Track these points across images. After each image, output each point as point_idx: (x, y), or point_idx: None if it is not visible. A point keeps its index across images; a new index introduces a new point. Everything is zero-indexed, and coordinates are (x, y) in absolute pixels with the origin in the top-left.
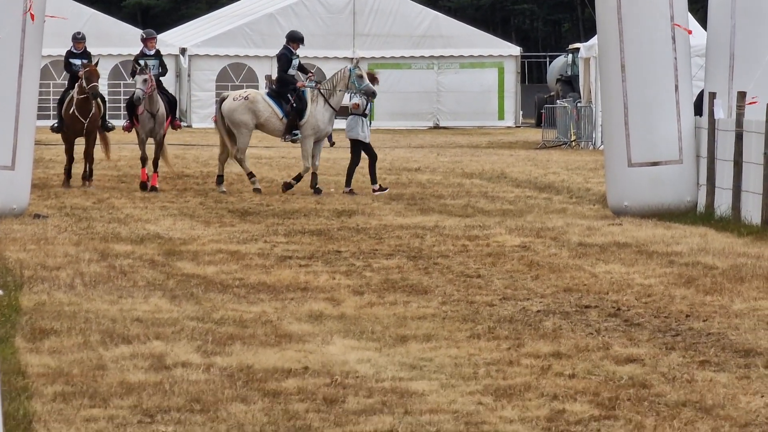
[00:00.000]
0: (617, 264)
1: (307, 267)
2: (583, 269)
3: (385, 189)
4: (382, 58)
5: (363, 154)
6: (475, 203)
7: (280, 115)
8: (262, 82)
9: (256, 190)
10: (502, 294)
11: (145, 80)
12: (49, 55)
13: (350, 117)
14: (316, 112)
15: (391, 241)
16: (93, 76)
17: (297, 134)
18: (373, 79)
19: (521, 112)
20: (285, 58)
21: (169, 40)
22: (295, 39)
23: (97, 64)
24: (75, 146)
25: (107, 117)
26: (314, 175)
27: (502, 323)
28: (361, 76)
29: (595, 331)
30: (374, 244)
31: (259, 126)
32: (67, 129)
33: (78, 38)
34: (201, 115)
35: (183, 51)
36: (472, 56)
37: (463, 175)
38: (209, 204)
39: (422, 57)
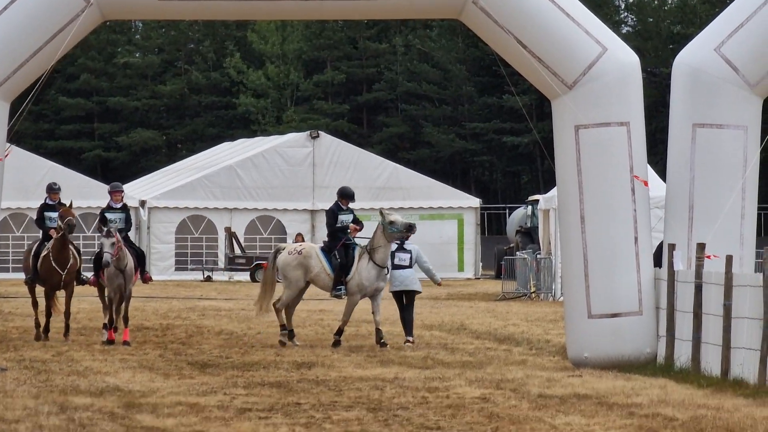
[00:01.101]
0: (577, 416)
1: (267, 419)
2: (543, 421)
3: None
4: None
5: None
6: (434, 355)
7: (329, 270)
8: (222, 234)
9: (281, 343)
10: None
11: (112, 244)
12: (8, 208)
13: (398, 270)
14: (362, 269)
15: (350, 393)
16: (67, 213)
17: (341, 290)
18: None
19: (481, 264)
20: (331, 213)
21: (128, 193)
22: (344, 195)
23: (71, 205)
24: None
25: (81, 270)
26: (378, 331)
27: None
28: (392, 222)
29: None
30: (334, 396)
31: (311, 280)
32: (45, 282)
33: (54, 189)
34: (160, 267)
35: (142, 203)
36: (431, 208)
37: (423, 326)
38: (168, 356)
39: (381, 208)
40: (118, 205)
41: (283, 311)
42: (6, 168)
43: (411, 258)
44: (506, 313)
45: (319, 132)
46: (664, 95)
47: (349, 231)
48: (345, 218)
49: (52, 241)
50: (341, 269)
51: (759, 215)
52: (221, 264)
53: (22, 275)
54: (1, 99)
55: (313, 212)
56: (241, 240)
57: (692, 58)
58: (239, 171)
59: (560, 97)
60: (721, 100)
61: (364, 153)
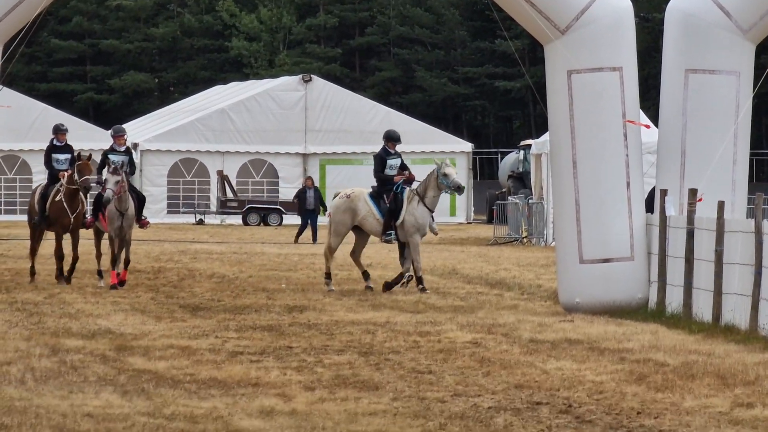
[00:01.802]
0: (568, 360)
1: (258, 362)
2: (534, 366)
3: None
4: (334, 153)
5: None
6: (426, 299)
7: (377, 215)
8: (214, 177)
9: (330, 291)
10: (453, 390)
11: (117, 182)
12: (0, 150)
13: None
14: (414, 210)
15: (342, 337)
16: (86, 170)
17: (391, 234)
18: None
19: (473, 209)
20: (379, 159)
21: None
22: (391, 138)
23: (89, 158)
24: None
25: (85, 214)
26: (401, 275)
27: (453, 420)
28: (446, 174)
29: (547, 428)
30: (325, 339)
31: (359, 224)
32: (53, 224)
33: (62, 129)
34: (153, 210)
35: (135, 146)
36: (423, 152)
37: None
38: (160, 299)
39: (374, 153)
40: (122, 148)
41: (329, 258)
42: None
43: None
44: (498, 258)
45: (312, 76)
46: (657, 41)
47: (406, 176)
48: (393, 162)
49: (64, 188)
50: (390, 214)
51: (751, 161)
52: (213, 207)
53: (14, 217)
54: None
55: (305, 156)
56: (233, 183)
57: (685, 4)
58: (231, 114)
59: (553, 42)
60: (713, 46)
61: (356, 97)
